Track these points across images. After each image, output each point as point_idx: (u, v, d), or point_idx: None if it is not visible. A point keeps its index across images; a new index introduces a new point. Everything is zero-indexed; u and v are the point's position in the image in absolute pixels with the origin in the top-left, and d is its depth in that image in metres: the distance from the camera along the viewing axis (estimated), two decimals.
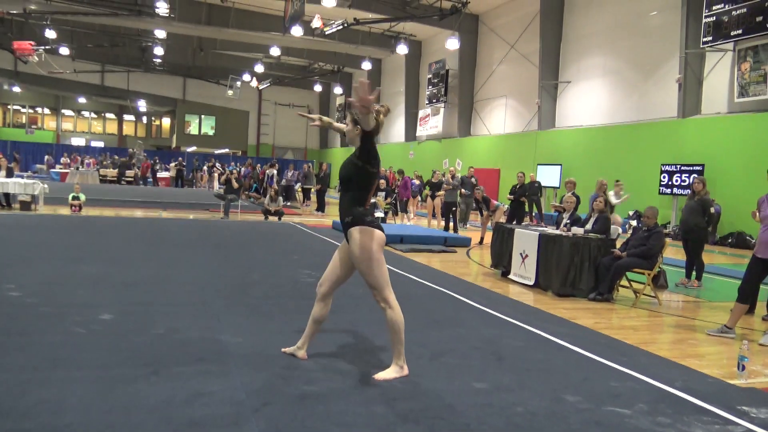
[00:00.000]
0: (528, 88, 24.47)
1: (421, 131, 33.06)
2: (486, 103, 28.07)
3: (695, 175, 13.15)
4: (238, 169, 28.86)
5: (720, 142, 16.42)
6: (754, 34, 15.37)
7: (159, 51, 33.87)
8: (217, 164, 33.84)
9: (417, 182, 20.61)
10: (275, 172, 24.00)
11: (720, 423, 3.55)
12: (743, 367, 4.59)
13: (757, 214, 5.95)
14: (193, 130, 44.02)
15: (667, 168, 17.28)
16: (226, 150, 43.07)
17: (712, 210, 9.08)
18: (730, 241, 15.54)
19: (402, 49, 29.53)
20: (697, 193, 9.00)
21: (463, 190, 15.18)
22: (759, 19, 15.13)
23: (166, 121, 49.14)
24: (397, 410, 3.38)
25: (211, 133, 44.02)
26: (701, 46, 16.90)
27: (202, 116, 43.95)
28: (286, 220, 16.35)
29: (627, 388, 4.05)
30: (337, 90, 41.46)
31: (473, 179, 15.84)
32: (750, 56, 15.76)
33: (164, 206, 18.58)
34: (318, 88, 44.21)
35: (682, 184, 16.58)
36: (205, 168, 34.10)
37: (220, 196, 16.80)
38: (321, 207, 20.82)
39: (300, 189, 24.18)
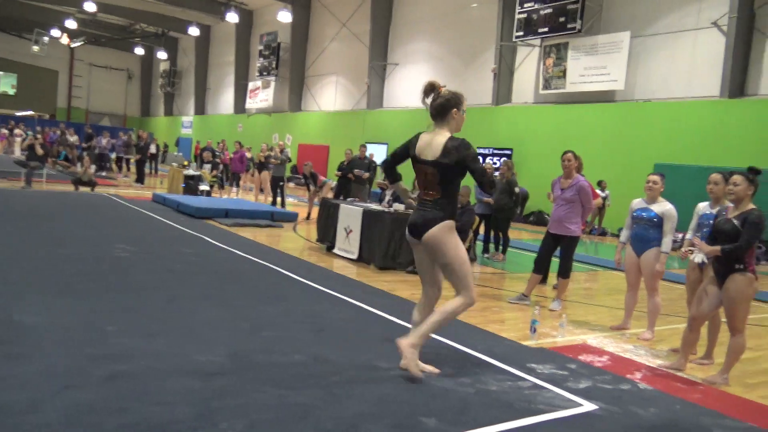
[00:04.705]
0: (358, 68, 24.91)
1: (251, 104, 32.32)
2: (317, 79, 28.11)
3: (504, 159, 14.34)
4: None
5: (527, 129, 18.06)
6: (557, 33, 17.04)
7: None
8: (17, 129, 30.23)
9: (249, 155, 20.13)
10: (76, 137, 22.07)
11: (512, 380, 3.98)
12: (534, 330, 5.18)
13: (551, 194, 6.67)
14: None
15: (482, 151, 18.65)
16: (30, 112, 38.63)
17: (517, 190, 9.98)
18: (531, 219, 17.26)
19: (232, 17, 28.50)
20: (503, 174, 9.86)
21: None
22: (562, 19, 16.80)
23: None
24: (213, 386, 3.34)
25: (11, 92, 39.21)
26: (514, 40, 18.38)
27: (1, 73, 38.96)
28: (101, 191, 15.16)
29: (436, 353, 4.37)
30: (161, 55, 38.94)
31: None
32: (554, 53, 17.47)
33: None
34: (140, 51, 41.23)
35: (494, 166, 18.00)
36: (4, 131, 30.32)
37: (22, 163, 15.10)
38: (141, 178, 19.58)
39: (115, 158, 22.54)
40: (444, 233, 3.77)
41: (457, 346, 4.66)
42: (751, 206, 4.31)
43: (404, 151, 3.98)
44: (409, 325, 5.09)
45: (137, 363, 3.57)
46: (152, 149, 23.84)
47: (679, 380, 4.40)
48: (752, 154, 12.56)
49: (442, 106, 3.83)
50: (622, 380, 4.24)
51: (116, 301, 5.00)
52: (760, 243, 12.06)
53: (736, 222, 4.28)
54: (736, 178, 4.35)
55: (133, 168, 21.42)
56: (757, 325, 6.56)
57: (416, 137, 3.94)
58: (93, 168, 16.51)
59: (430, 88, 3.87)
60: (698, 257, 4.95)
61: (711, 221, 4.74)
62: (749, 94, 13.91)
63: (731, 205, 4.47)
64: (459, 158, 3.72)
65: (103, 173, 20.58)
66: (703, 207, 5.22)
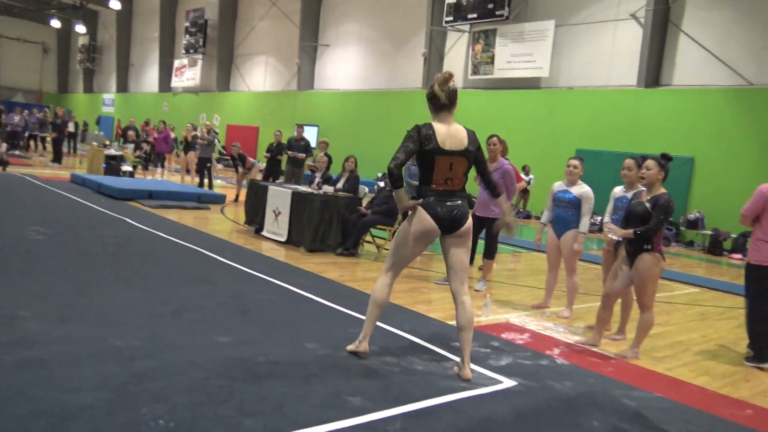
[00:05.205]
0: (288, 48, 24.51)
1: (177, 82, 31.28)
2: (246, 58, 27.48)
3: None
4: None
5: (456, 113, 18.28)
6: (486, 19, 17.30)
7: None
8: None
9: (173, 135, 19.50)
10: None
11: (437, 359, 4.06)
12: None
13: (477, 177, 6.79)
14: None
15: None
16: None
17: None
18: None
19: None
20: None
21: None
22: (490, 6, 17.06)
23: None
24: (132, 370, 3.24)
25: None
26: (444, 25, 18.54)
27: None
28: (13, 171, 14.33)
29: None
30: (80, 28, 36.96)
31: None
32: (482, 39, 17.74)
33: None
34: (56, 23, 38.94)
35: None
36: None
37: None
38: (58, 158, 18.63)
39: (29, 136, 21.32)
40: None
41: (384, 326, 4.70)
42: (662, 190, 4.54)
43: (417, 147, 3.73)
44: (341, 309, 5.10)
45: (50, 349, 3.42)
46: (70, 127, 22.70)
47: (593, 355, 4.62)
48: (666, 141, 13.24)
49: (455, 97, 3.82)
50: (541, 356, 4.41)
51: (29, 285, 4.77)
52: (670, 225, 12.78)
53: (647, 205, 4.50)
54: (649, 163, 4.57)
55: (49, 147, 20.34)
56: (666, 303, 6.96)
57: (428, 129, 3.72)
58: (4, 146, 15.58)
59: (450, 77, 3.81)
60: (615, 234, 5.18)
61: (625, 204, 4.97)
62: (663, 84, 14.60)
63: (644, 189, 4.70)
64: (478, 145, 3.86)
65: (16, 152, 19.46)
66: (618, 191, 5.45)
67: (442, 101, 3.78)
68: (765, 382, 4.46)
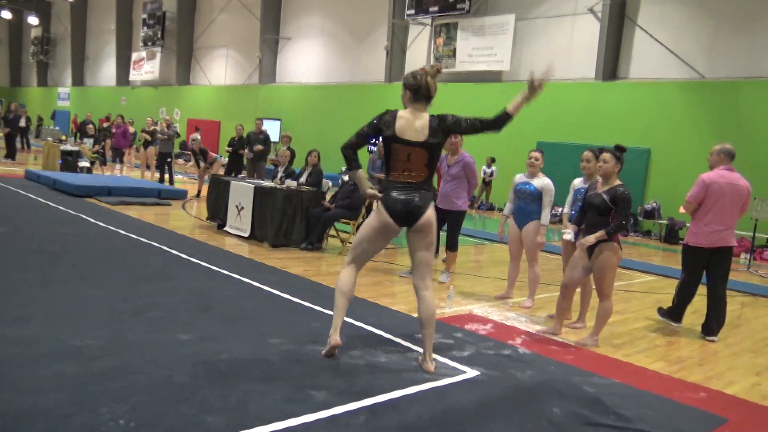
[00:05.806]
0: (249, 41, 24.22)
1: (135, 76, 30.62)
2: (206, 51, 27.06)
3: None
4: None
5: None
6: (447, 13, 17.38)
7: None
8: None
9: (132, 130, 19.06)
10: None
11: (401, 351, 4.09)
12: None
13: (438, 170, 6.85)
14: None
15: None
16: None
17: None
18: None
19: None
20: None
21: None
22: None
23: None
24: (92, 369, 3.18)
25: None
26: (405, 18, 18.56)
27: None
28: None
29: (327, 328, 4.38)
30: (32, 20, 35.81)
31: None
32: (444, 32, 17.83)
33: None
34: (7, 14, 37.62)
35: None
36: None
37: None
38: (11, 154, 18.07)
39: None
40: (434, 212, 3.81)
41: (347, 319, 4.69)
42: (618, 182, 4.64)
43: (374, 132, 3.80)
44: (306, 304, 5.09)
45: (6, 350, 3.33)
46: (21, 122, 21.98)
47: (554, 344, 4.71)
48: (623, 133, 13.53)
49: (436, 90, 3.81)
50: (504, 346, 4.48)
51: None
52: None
53: (605, 196, 4.60)
54: (605, 156, 4.66)
55: (1, 143, 19.72)
56: (624, 291, 7.14)
57: (390, 116, 3.75)
58: None
59: (440, 70, 3.88)
60: (568, 235, 5.27)
61: (584, 195, 5.07)
62: (620, 77, 14.90)
63: (600, 179, 4.81)
64: (443, 136, 3.78)
65: None
66: (578, 183, 5.56)
67: (431, 93, 3.79)
68: (717, 366, 4.62)
